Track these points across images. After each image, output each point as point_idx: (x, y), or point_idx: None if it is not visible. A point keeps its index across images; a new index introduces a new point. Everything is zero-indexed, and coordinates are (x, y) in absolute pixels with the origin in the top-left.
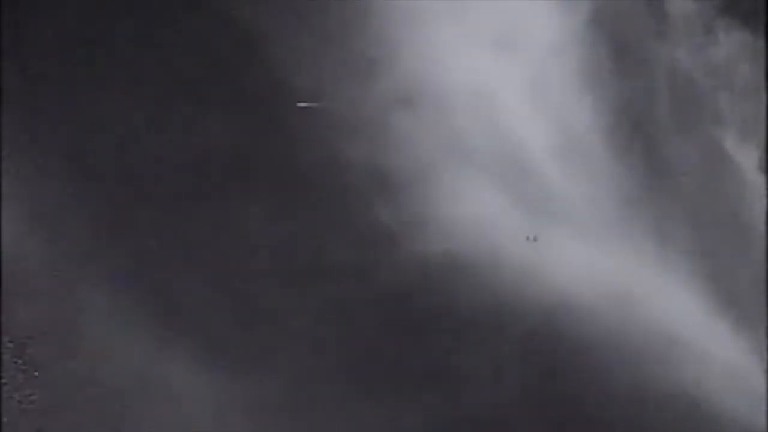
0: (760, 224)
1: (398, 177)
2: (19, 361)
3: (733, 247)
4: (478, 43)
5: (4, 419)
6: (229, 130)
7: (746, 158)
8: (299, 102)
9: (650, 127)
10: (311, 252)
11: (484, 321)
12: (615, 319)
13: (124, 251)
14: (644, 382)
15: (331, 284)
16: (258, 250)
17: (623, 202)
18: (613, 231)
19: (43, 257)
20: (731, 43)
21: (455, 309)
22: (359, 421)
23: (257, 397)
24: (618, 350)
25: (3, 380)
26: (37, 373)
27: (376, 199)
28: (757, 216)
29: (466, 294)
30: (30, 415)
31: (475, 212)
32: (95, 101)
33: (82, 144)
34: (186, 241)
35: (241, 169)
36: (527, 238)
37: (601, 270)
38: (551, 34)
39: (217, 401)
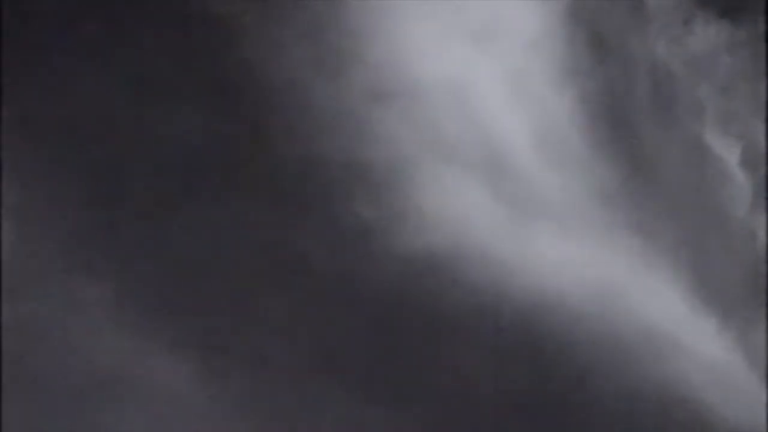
0: (743, 218)
1: (377, 172)
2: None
3: (716, 241)
4: (456, 37)
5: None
6: (206, 126)
7: (727, 151)
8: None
9: (630, 121)
10: (291, 248)
11: (465, 317)
12: (598, 316)
13: (106, 249)
14: (629, 379)
15: (311, 281)
16: (238, 247)
17: (605, 196)
18: (595, 226)
19: (30, 255)
20: (710, 35)
21: (436, 305)
22: (343, 420)
23: (240, 396)
24: (602, 347)
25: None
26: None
27: (355, 194)
28: (740, 210)
29: (448, 290)
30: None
31: (455, 207)
32: (77, 100)
33: (65, 142)
34: (165, 238)
35: (219, 166)
36: None
37: (584, 265)
38: (530, 27)
39: (199, 400)
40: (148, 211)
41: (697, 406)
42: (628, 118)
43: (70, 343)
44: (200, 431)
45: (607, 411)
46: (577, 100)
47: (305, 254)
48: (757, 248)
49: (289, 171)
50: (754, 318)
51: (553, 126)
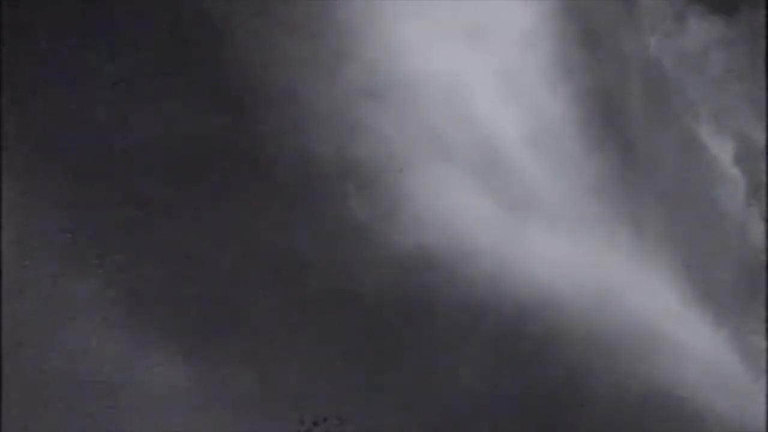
0: (737, 215)
1: (371, 169)
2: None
3: (710, 238)
4: (449, 34)
5: None
6: (201, 125)
7: (721, 148)
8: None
9: (624, 118)
10: (283, 246)
11: (458, 315)
12: (592, 312)
13: (106, 249)
14: (622, 376)
15: (303, 279)
16: (231, 246)
17: (598, 193)
18: (588, 222)
19: (30, 255)
20: (703, 32)
21: (429, 303)
22: (340, 418)
23: (232, 393)
24: (596, 343)
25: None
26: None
27: (349, 191)
28: (734, 207)
29: (440, 287)
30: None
31: (448, 203)
32: (73, 100)
33: (61, 142)
34: (163, 238)
35: (212, 164)
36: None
37: (577, 262)
38: (522, 25)
39: (192, 397)
40: (146, 210)
41: (691, 403)
42: (622, 115)
43: (69, 342)
44: (197, 429)
45: (601, 407)
46: (570, 97)
47: (301, 251)
48: (750, 245)
49: (283, 168)
50: (749, 315)
51: (546, 122)
